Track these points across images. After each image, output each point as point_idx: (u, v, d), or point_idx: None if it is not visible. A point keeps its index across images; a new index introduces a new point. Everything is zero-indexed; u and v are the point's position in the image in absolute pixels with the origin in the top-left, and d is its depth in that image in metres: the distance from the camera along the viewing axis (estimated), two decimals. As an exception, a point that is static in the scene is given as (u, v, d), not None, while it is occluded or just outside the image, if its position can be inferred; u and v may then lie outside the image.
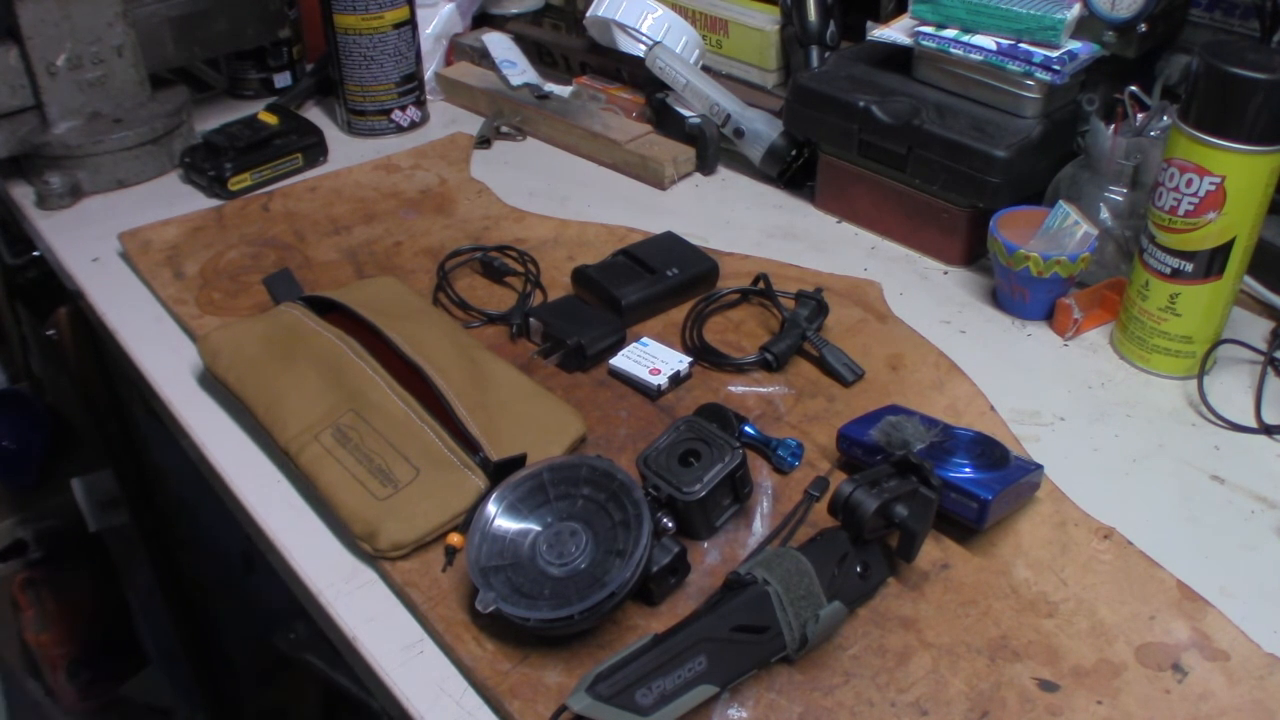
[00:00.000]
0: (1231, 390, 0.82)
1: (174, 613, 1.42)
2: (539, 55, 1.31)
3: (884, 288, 0.93)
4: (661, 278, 0.89)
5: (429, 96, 1.24)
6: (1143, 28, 0.92)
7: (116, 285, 0.95)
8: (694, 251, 0.93)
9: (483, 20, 1.36)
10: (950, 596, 0.65)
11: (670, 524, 0.63)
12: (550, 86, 1.23)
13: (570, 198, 1.07)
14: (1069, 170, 0.91)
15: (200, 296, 0.91)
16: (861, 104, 0.96)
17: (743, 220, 1.04)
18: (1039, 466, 0.71)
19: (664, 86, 1.13)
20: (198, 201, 1.07)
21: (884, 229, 1.01)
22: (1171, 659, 0.61)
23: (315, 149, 1.13)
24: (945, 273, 0.96)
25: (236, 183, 1.06)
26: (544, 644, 0.61)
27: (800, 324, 0.84)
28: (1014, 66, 0.90)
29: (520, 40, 1.30)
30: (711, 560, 0.67)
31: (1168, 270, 0.79)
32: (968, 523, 0.66)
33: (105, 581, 1.63)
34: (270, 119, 1.11)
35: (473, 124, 1.21)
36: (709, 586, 0.65)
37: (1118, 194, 0.89)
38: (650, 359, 0.81)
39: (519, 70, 1.23)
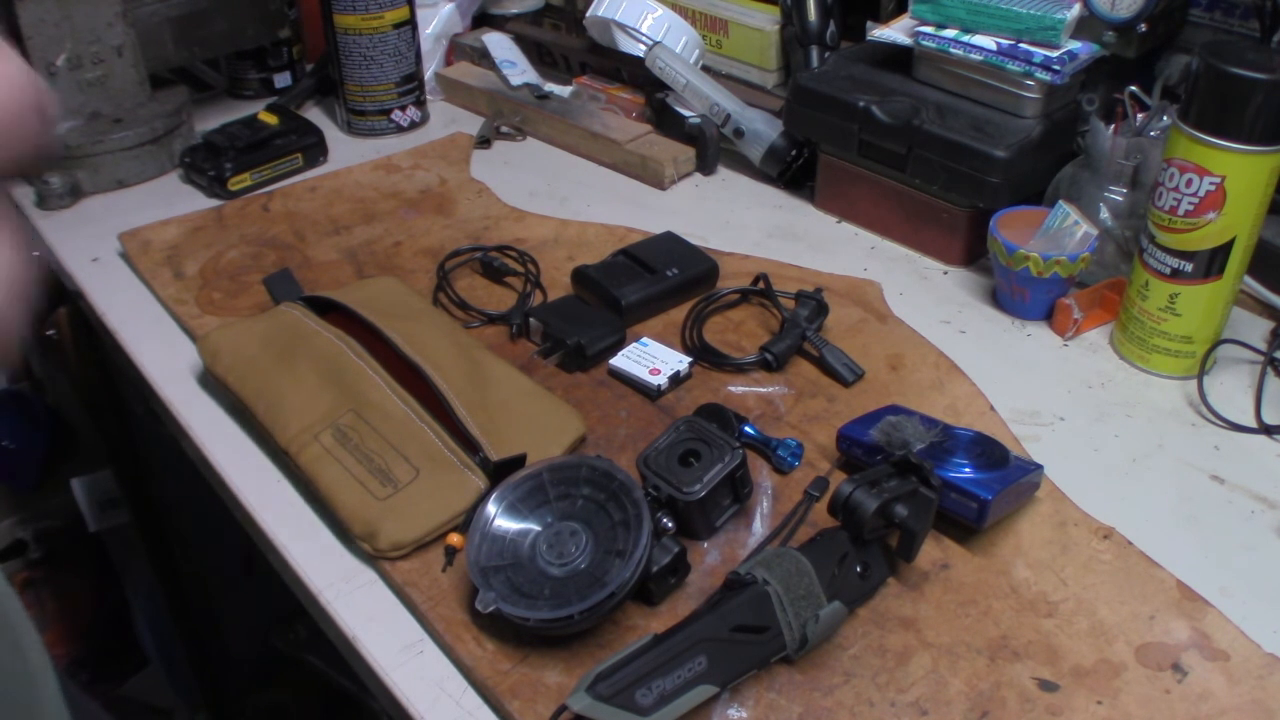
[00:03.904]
0: (1231, 390, 0.82)
1: (174, 613, 1.42)
2: (539, 55, 1.31)
3: (884, 288, 0.93)
4: (661, 278, 0.89)
5: (429, 96, 1.24)
6: (1143, 28, 0.92)
7: (116, 285, 0.95)
8: (694, 251, 0.93)
9: (483, 20, 1.36)
10: (950, 596, 0.65)
11: (670, 524, 0.63)
12: (550, 86, 1.23)
13: (570, 198, 1.07)
14: (1069, 170, 0.91)
15: (200, 296, 0.91)
16: (861, 104, 0.96)
17: (743, 220, 1.04)
18: (1039, 466, 0.71)
19: (664, 86, 1.13)
20: (198, 201, 1.07)
21: (884, 229, 1.01)
22: (1171, 659, 0.61)
23: (315, 149, 1.13)
24: (945, 273, 0.96)
25: (236, 183, 1.06)
26: (544, 644, 0.61)
27: (800, 324, 0.84)
28: (1014, 66, 0.90)
29: (520, 40, 1.30)
30: (711, 560, 0.67)
31: (1168, 270, 0.79)
32: (968, 523, 0.66)
33: (105, 581, 1.63)
34: (270, 119, 1.11)
35: (473, 124, 1.21)
36: (709, 586, 0.65)
37: (1118, 194, 0.89)
38: (650, 359, 0.81)
39: (519, 70, 1.23)
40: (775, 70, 1.18)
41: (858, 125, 0.97)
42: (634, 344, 0.83)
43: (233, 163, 1.06)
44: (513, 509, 0.63)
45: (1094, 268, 0.89)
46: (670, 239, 0.95)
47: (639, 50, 1.17)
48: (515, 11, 1.37)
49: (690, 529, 0.67)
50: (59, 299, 1.17)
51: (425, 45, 1.23)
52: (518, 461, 0.68)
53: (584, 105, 1.19)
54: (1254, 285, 0.89)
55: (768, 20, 1.17)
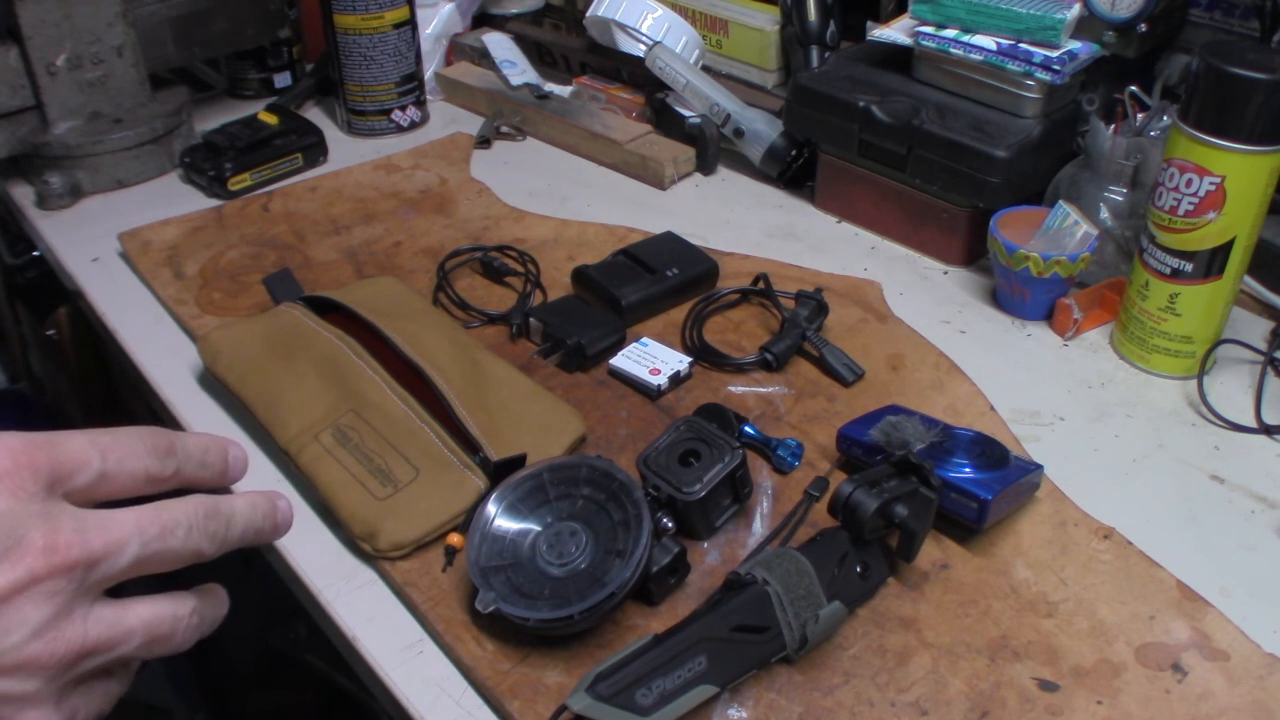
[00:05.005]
0: (1231, 390, 0.82)
1: (173, 613, 1.42)
2: (539, 55, 1.31)
3: (884, 288, 0.93)
4: (661, 278, 0.89)
5: (429, 96, 1.24)
6: (1143, 28, 0.92)
7: (116, 285, 0.95)
8: (694, 251, 0.93)
9: (483, 20, 1.36)
10: (950, 596, 0.65)
11: (670, 524, 0.63)
12: (550, 86, 1.23)
13: (570, 198, 1.07)
14: (1069, 170, 0.91)
15: (200, 296, 0.91)
16: (861, 104, 0.96)
17: (743, 220, 1.04)
18: (1039, 466, 0.71)
19: (664, 86, 1.13)
20: (198, 201, 1.07)
21: (884, 229, 1.01)
22: (1171, 659, 0.61)
23: (315, 149, 1.13)
24: (945, 273, 0.96)
25: (236, 183, 1.06)
26: (544, 644, 0.61)
27: (800, 324, 0.84)
28: (1014, 66, 0.90)
29: (520, 40, 1.30)
30: (711, 560, 0.67)
31: (1168, 270, 0.79)
32: (968, 523, 0.66)
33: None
34: (270, 119, 1.11)
35: (473, 124, 1.21)
36: (709, 586, 0.65)
37: (1118, 194, 0.89)
38: (650, 359, 0.81)
39: (519, 70, 1.23)
40: (775, 70, 1.18)
41: (858, 125, 0.97)
42: (634, 344, 0.83)
43: (233, 163, 1.06)
44: (513, 509, 0.63)
45: (1094, 268, 0.89)
46: (670, 239, 0.95)
47: (639, 50, 1.17)
48: (515, 11, 1.37)
49: (690, 529, 0.67)
50: (59, 299, 1.17)
51: (425, 45, 1.23)
52: (518, 461, 0.68)
53: (584, 105, 1.19)
54: (1254, 285, 0.89)
55: (768, 20, 1.17)
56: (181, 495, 0.44)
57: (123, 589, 0.42)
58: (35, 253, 1.21)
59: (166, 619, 0.43)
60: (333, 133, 1.18)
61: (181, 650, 0.44)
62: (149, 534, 0.41)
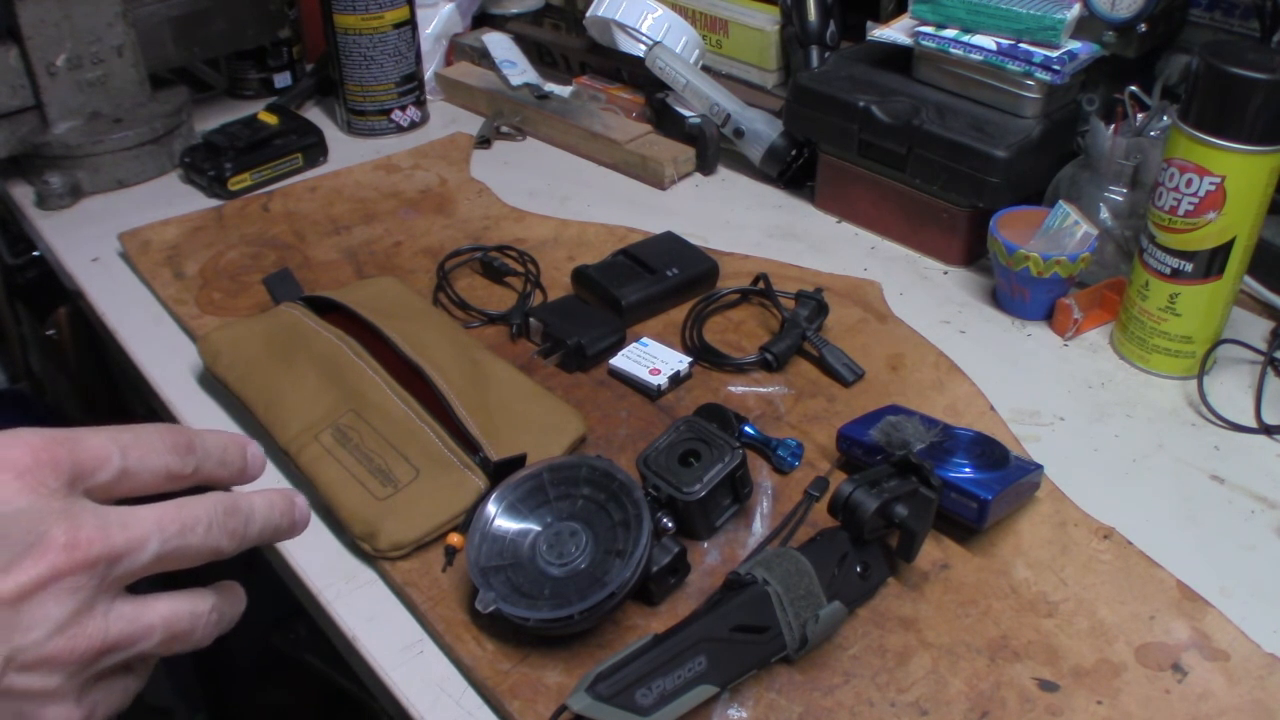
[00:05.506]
0: (1231, 390, 0.82)
1: (174, 613, 1.42)
2: (539, 55, 1.31)
3: (884, 288, 0.93)
4: (661, 278, 0.89)
5: (429, 96, 1.24)
6: (1143, 28, 0.92)
7: (116, 285, 0.95)
8: (694, 251, 0.93)
9: (483, 20, 1.36)
10: (950, 596, 0.65)
11: (670, 524, 0.63)
12: (550, 86, 1.23)
13: (570, 198, 1.07)
14: (1069, 170, 0.91)
15: (200, 296, 0.91)
16: (861, 104, 0.96)
17: (743, 220, 1.04)
18: (1039, 466, 0.71)
19: (664, 86, 1.13)
20: (198, 201, 1.07)
21: (884, 229, 1.01)
22: (1171, 659, 0.61)
23: (315, 149, 1.13)
24: (945, 273, 0.96)
25: (236, 183, 1.06)
26: (544, 644, 0.61)
27: (800, 324, 0.84)
28: (1014, 66, 0.90)
29: (520, 40, 1.30)
30: (711, 560, 0.67)
31: (1168, 270, 0.79)
32: (968, 523, 0.66)
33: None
34: (270, 119, 1.11)
35: (473, 124, 1.21)
36: (709, 586, 0.65)
37: (1118, 194, 0.89)
38: (650, 359, 0.81)
39: (519, 70, 1.23)
40: (775, 70, 1.18)
41: (858, 125, 0.97)
42: (634, 344, 0.83)
43: (233, 163, 1.06)
44: (513, 509, 0.63)
45: (1094, 268, 0.89)
46: (670, 239, 0.95)
47: (639, 50, 1.17)
48: (515, 11, 1.37)
49: (690, 529, 0.67)
50: (59, 299, 1.17)
51: (425, 45, 1.23)
52: (518, 461, 0.68)
53: (584, 105, 1.19)
54: (1254, 285, 0.89)
55: (768, 20, 1.17)
56: (199, 493, 0.44)
57: (134, 588, 0.42)
58: (35, 253, 1.21)
59: (186, 616, 0.43)
60: (333, 133, 1.18)
61: (201, 647, 0.44)
62: (169, 531, 0.41)
